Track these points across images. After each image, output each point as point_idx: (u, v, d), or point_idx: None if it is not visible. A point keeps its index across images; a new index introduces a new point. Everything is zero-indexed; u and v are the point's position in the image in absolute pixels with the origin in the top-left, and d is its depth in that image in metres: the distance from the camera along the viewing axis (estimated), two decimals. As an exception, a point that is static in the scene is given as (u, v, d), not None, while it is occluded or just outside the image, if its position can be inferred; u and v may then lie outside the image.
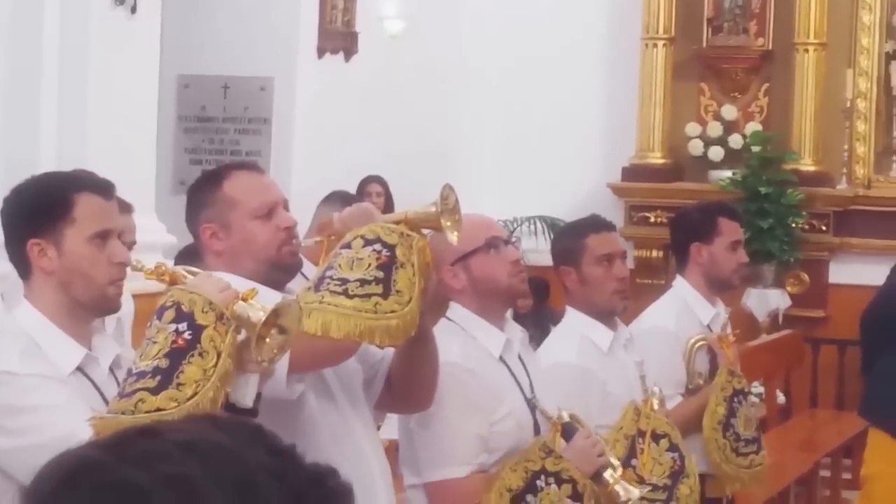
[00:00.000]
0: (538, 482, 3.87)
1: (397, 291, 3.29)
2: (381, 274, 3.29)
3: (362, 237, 3.36)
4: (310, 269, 3.75)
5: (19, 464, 2.94)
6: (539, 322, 8.06)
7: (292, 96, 10.23)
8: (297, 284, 3.62)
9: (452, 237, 3.43)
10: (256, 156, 10.18)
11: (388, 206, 9.68)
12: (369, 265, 3.30)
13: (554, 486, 3.88)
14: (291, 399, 3.41)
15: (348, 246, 3.36)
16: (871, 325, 5.35)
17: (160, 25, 8.20)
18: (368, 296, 3.27)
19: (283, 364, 3.31)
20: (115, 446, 1.32)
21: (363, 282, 3.28)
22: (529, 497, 3.86)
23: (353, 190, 9.04)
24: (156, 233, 7.82)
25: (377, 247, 3.33)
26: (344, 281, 3.29)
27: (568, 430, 3.99)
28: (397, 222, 3.42)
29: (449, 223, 3.41)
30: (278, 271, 3.50)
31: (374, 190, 9.77)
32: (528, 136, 11.67)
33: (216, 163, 10.27)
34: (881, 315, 5.31)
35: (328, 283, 3.30)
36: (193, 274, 3.11)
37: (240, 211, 3.50)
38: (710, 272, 5.29)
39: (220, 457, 1.31)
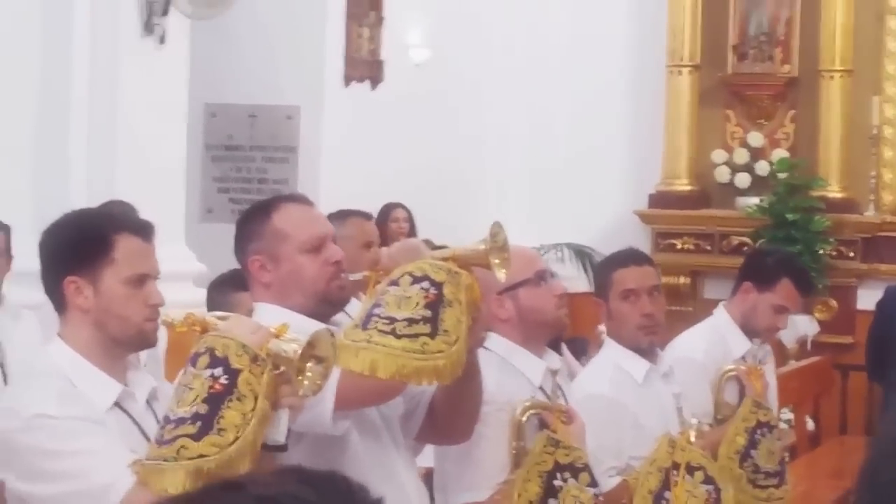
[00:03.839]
0: (555, 482, 3.87)
1: (444, 331, 3.27)
2: (428, 313, 3.28)
3: (410, 274, 3.35)
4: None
5: None
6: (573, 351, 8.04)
7: (319, 125, 10.27)
8: (341, 318, 3.62)
9: (500, 275, 3.43)
10: (283, 184, 10.21)
11: (412, 232, 9.70)
12: (417, 304, 3.29)
13: (571, 479, 3.88)
14: (336, 435, 3.41)
15: (396, 283, 3.35)
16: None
17: (188, 55, 8.24)
18: (416, 336, 3.26)
19: (328, 400, 3.31)
20: (198, 499, 1.34)
21: (411, 321, 3.27)
22: (551, 501, 3.87)
23: (376, 216, 9.06)
24: (186, 261, 7.84)
25: (425, 285, 3.32)
26: (392, 320, 3.28)
27: None
28: (445, 259, 3.41)
29: (497, 261, 3.40)
30: (326, 305, 3.51)
31: (399, 216, 9.77)
32: (555, 162, 11.67)
33: (243, 191, 10.34)
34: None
35: (376, 322, 3.29)
36: (224, 318, 3.11)
37: (289, 244, 3.51)
38: (748, 316, 5.27)
39: None
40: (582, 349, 7.56)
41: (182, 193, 8.30)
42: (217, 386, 2.91)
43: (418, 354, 3.25)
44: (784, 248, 9.08)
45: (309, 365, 2.98)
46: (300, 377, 2.97)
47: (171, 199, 8.03)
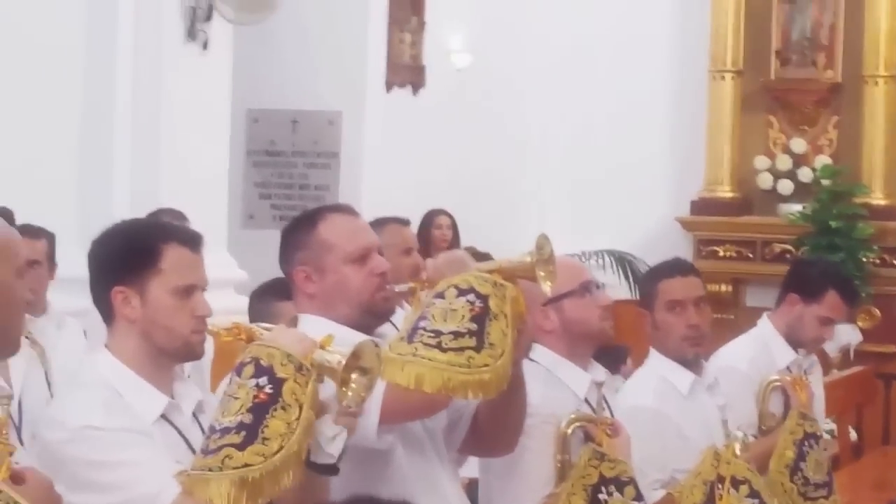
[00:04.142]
0: (600, 496, 3.85)
1: (490, 345, 3.26)
2: (474, 326, 3.26)
3: (456, 287, 3.33)
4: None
5: None
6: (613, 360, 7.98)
7: (361, 130, 10.28)
8: (386, 329, 3.62)
9: (546, 287, 3.41)
10: (325, 190, 10.23)
11: (455, 239, 9.68)
12: (463, 317, 3.27)
13: (616, 493, 3.87)
14: (381, 449, 3.41)
15: (441, 295, 3.33)
16: None
17: (231, 60, 8.27)
18: (462, 349, 3.24)
19: (373, 414, 3.31)
20: None
21: (457, 334, 3.25)
22: None
23: (417, 222, 9.04)
24: (228, 268, 7.85)
25: (470, 297, 3.30)
26: (437, 333, 3.26)
27: None
28: (491, 271, 3.39)
29: (543, 273, 3.39)
30: (371, 316, 3.50)
31: (443, 223, 9.75)
32: (597, 169, 11.64)
33: (285, 197, 10.36)
34: None
35: (421, 335, 3.27)
36: (268, 329, 3.11)
37: (335, 255, 3.50)
38: (793, 327, 5.24)
39: None
40: (621, 357, 7.51)
41: (224, 200, 8.33)
42: (262, 395, 2.90)
43: (464, 368, 3.23)
44: (828, 258, 9.02)
45: (354, 376, 2.98)
46: (344, 388, 2.96)
47: (214, 205, 8.05)
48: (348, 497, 1.65)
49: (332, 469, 3.01)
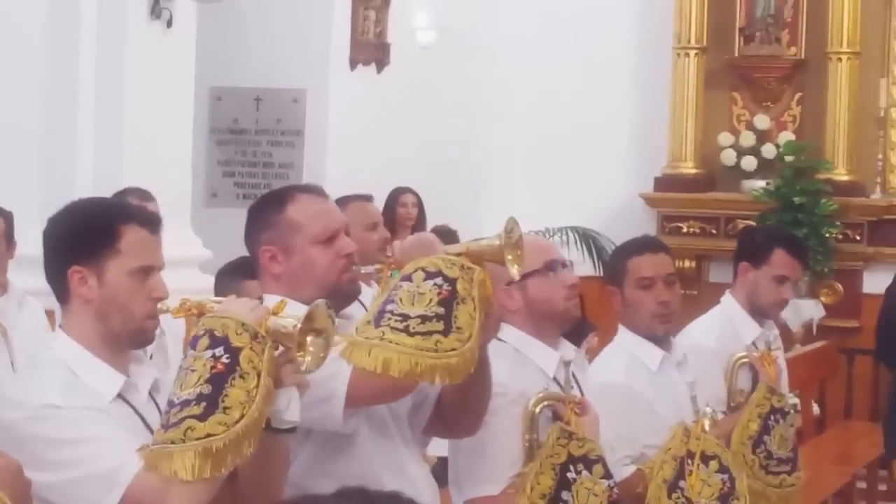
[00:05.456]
0: (568, 474, 3.84)
1: (458, 328, 3.25)
2: (441, 310, 3.26)
3: (423, 270, 3.32)
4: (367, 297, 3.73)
5: (71, 496, 2.92)
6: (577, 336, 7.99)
7: (325, 108, 10.24)
8: (354, 309, 3.61)
9: (514, 271, 3.40)
10: (289, 168, 10.20)
11: (420, 217, 9.67)
12: (430, 300, 3.26)
13: (585, 471, 3.86)
14: (347, 433, 3.41)
15: (409, 278, 3.32)
16: None
17: (195, 38, 8.22)
18: (429, 333, 3.23)
19: (339, 398, 3.31)
20: None
21: (424, 318, 3.24)
22: (564, 494, 3.84)
23: (383, 201, 9.02)
24: (192, 247, 7.81)
25: (438, 280, 3.29)
26: (405, 317, 3.25)
27: None
28: (458, 254, 3.38)
29: (511, 257, 3.38)
30: (337, 297, 3.45)
31: (408, 201, 9.73)
32: (560, 146, 11.66)
33: (248, 175, 10.33)
34: None
35: (388, 319, 3.26)
36: (218, 301, 3.09)
37: (302, 235, 3.48)
38: (752, 296, 5.28)
39: None
40: (584, 333, 7.53)
41: (188, 178, 8.28)
42: (219, 366, 2.90)
43: (431, 353, 3.22)
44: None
45: (309, 339, 2.97)
46: (301, 352, 2.96)
47: (178, 183, 8.01)
48: (337, 489, 1.63)
49: (290, 428, 3.03)
